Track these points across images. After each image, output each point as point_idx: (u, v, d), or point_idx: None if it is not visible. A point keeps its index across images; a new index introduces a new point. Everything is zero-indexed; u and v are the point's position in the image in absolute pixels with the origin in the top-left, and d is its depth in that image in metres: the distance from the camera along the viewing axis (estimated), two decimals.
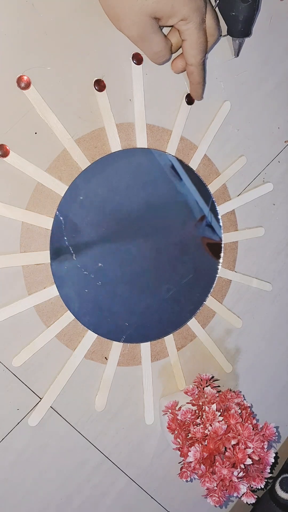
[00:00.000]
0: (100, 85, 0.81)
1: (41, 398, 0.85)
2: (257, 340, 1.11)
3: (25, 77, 0.75)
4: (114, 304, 0.89)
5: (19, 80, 0.75)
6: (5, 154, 0.75)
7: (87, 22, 0.79)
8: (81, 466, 0.92)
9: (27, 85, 0.75)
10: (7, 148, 0.76)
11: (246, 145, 1.01)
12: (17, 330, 0.82)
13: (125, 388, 0.94)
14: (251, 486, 0.82)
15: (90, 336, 0.88)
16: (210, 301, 1.01)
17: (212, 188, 0.97)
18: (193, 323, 0.99)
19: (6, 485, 0.85)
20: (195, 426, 0.81)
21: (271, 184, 1.05)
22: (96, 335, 0.88)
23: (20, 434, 0.85)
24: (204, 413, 0.82)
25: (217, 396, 0.87)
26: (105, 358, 0.91)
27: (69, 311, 0.85)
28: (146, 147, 0.88)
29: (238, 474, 0.78)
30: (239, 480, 0.79)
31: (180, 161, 0.92)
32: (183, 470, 0.83)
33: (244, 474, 0.81)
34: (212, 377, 0.94)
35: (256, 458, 0.80)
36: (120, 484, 0.97)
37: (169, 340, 0.97)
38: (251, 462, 0.79)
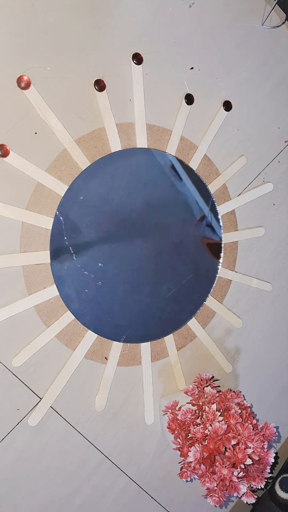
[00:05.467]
0: (100, 85, 0.81)
1: (41, 398, 0.85)
2: (257, 340, 1.11)
3: (25, 77, 0.75)
4: (114, 304, 0.89)
5: (19, 80, 0.75)
6: (5, 154, 0.75)
7: (87, 22, 0.80)
8: (81, 466, 0.92)
9: (27, 85, 0.75)
10: (7, 148, 0.76)
11: (246, 145, 1.01)
12: (17, 330, 0.82)
13: (125, 388, 0.94)
14: (251, 486, 0.82)
15: (90, 336, 0.88)
16: (210, 301, 1.01)
17: (212, 188, 0.97)
18: (193, 323, 0.99)
19: (7, 485, 0.85)
20: (195, 426, 0.81)
21: (271, 184, 1.05)
22: (96, 335, 0.89)
23: (20, 434, 0.85)
24: (204, 413, 0.82)
25: (217, 396, 0.87)
26: (105, 358, 0.91)
27: (69, 311, 0.85)
28: (146, 147, 0.88)
29: (238, 474, 0.78)
30: (239, 480, 0.79)
31: (180, 161, 0.92)
32: (183, 470, 0.82)
33: (244, 474, 0.81)
34: (212, 377, 0.93)
35: (256, 458, 0.80)
36: (120, 484, 0.97)
37: (169, 340, 0.97)
38: (251, 462, 0.79)
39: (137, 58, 0.84)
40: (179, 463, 0.84)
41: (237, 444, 0.79)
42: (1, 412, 0.83)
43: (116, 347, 0.91)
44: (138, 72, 0.85)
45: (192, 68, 0.91)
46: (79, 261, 0.84)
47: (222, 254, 1.01)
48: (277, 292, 1.12)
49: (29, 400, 0.85)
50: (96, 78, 0.81)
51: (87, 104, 0.82)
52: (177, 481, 1.03)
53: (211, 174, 0.97)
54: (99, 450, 0.94)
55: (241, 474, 0.79)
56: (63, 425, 0.89)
